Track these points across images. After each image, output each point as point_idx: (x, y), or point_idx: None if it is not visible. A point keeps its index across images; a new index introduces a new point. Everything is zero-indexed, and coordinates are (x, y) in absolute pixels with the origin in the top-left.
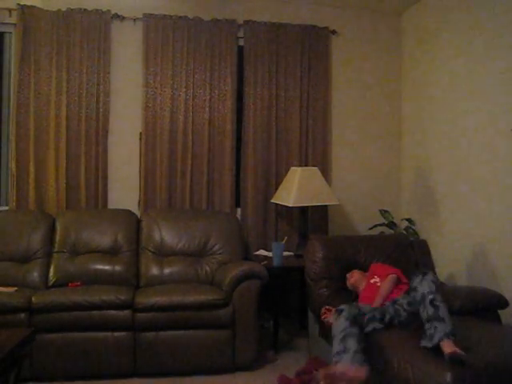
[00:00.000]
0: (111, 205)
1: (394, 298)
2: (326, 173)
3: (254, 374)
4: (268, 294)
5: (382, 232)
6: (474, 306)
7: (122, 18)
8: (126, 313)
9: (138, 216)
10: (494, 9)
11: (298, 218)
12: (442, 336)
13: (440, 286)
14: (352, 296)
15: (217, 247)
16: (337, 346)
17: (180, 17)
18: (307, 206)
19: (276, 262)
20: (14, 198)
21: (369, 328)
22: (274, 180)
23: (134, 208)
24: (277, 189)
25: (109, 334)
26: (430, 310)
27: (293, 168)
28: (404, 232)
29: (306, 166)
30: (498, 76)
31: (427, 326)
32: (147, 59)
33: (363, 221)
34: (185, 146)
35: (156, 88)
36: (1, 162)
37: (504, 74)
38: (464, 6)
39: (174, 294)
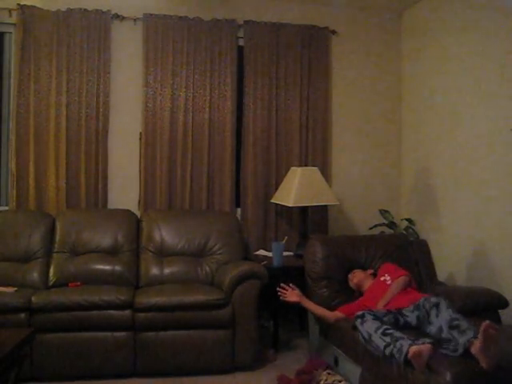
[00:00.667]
0: (111, 205)
1: (401, 308)
2: (325, 173)
3: (253, 373)
4: (268, 294)
5: (382, 232)
6: (474, 306)
7: (121, 18)
8: (126, 313)
9: (138, 216)
10: (494, 9)
11: (298, 218)
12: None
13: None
14: (353, 296)
15: (217, 247)
16: (381, 341)
17: (180, 17)
18: (307, 206)
19: (276, 262)
20: (14, 198)
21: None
22: (274, 180)
23: (134, 208)
24: (277, 189)
25: (109, 334)
26: (454, 333)
27: (293, 168)
28: (404, 232)
29: (305, 166)
30: (499, 76)
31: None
32: (147, 59)
33: (363, 221)
34: (185, 146)
35: (156, 88)
36: (1, 162)
37: (504, 74)
38: (464, 6)
39: (174, 294)
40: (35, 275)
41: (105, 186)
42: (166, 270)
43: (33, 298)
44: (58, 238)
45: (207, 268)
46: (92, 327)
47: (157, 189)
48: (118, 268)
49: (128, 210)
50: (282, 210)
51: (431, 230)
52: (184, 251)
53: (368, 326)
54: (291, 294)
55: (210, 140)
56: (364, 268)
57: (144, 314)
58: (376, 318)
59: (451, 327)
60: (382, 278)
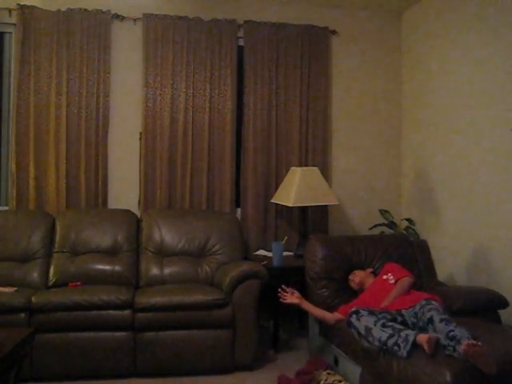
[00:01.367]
0: (111, 205)
1: (400, 309)
2: (325, 173)
3: (253, 373)
4: (268, 294)
5: (382, 232)
6: (474, 306)
7: (121, 18)
8: (126, 313)
9: (138, 216)
10: (494, 8)
11: (298, 218)
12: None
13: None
14: (355, 295)
15: (217, 247)
16: (383, 333)
17: (180, 17)
18: (307, 206)
19: (276, 262)
20: (14, 197)
21: None
22: (274, 180)
23: (134, 208)
24: (277, 189)
25: (109, 334)
26: (452, 343)
27: (293, 168)
28: (404, 232)
29: (305, 166)
30: (499, 76)
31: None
32: (147, 59)
33: (363, 221)
34: (185, 145)
35: (156, 88)
36: (1, 161)
37: (504, 74)
38: (464, 6)
39: (174, 294)
40: (35, 275)
41: (105, 186)
42: (166, 270)
43: (33, 298)
44: (57, 238)
45: (207, 268)
46: (92, 327)
47: (157, 189)
48: (117, 268)
49: (128, 210)
50: (282, 210)
51: (431, 230)
52: (184, 251)
53: (365, 320)
54: (291, 297)
55: (209, 140)
56: (363, 268)
57: (144, 314)
58: (371, 313)
59: (449, 338)
60: (385, 277)
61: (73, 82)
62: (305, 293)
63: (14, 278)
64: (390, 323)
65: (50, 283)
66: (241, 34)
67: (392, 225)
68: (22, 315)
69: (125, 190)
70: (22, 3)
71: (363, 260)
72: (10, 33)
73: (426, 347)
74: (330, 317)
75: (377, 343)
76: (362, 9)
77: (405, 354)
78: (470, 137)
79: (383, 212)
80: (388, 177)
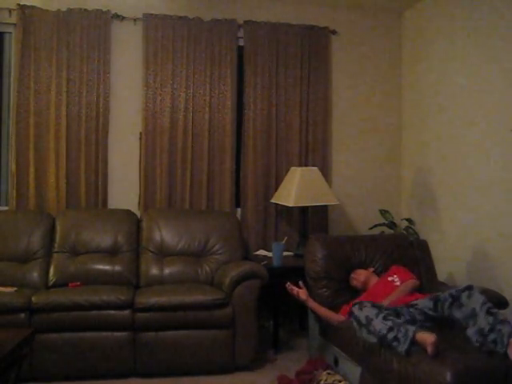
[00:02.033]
0: (111, 205)
1: (408, 301)
2: (325, 173)
3: (254, 373)
4: (268, 294)
5: (382, 232)
6: None
7: (121, 18)
8: (126, 313)
9: (138, 216)
10: (494, 9)
11: (298, 218)
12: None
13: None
14: (356, 295)
15: (217, 247)
16: (383, 325)
17: (180, 17)
18: (307, 206)
19: (276, 262)
20: (14, 197)
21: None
22: (274, 180)
23: (134, 208)
24: (277, 189)
25: (109, 333)
26: (490, 319)
27: (293, 168)
28: (404, 232)
29: (305, 166)
30: (499, 76)
31: (492, 335)
32: (147, 59)
33: (363, 221)
34: (185, 145)
35: (156, 88)
36: (1, 161)
37: (505, 74)
38: (464, 6)
39: (174, 294)
40: (35, 275)
41: (105, 186)
42: (166, 270)
43: (33, 298)
44: (58, 238)
45: (207, 268)
46: (92, 327)
47: (157, 189)
48: (117, 268)
49: (128, 210)
50: (282, 210)
51: (431, 230)
52: (184, 251)
53: (367, 311)
54: (300, 291)
55: (209, 140)
56: (363, 267)
57: (144, 313)
58: (374, 305)
59: (489, 313)
60: (390, 279)
61: (73, 82)
62: None
63: (14, 278)
64: (391, 317)
65: (50, 283)
66: (241, 34)
67: (392, 225)
68: (22, 315)
69: (125, 189)
70: (21, 3)
71: (363, 260)
72: (10, 33)
73: (429, 349)
74: (335, 317)
75: (376, 336)
76: (362, 9)
77: (403, 351)
78: (470, 137)
79: (383, 212)
80: (388, 177)
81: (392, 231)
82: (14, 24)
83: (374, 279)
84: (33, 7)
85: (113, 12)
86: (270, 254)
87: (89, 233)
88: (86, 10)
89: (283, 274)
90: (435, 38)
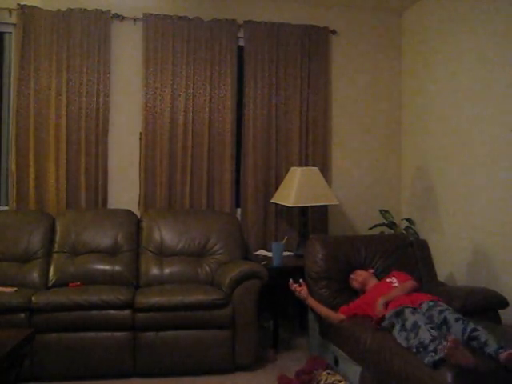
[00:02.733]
0: (111, 205)
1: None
2: (325, 173)
3: (254, 373)
4: (268, 294)
5: (382, 232)
6: (474, 306)
7: (121, 18)
8: (126, 313)
9: (138, 216)
10: (494, 8)
11: (298, 218)
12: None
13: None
14: (356, 295)
15: (217, 247)
16: (428, 334)
17: (180, 17)
18: (307, 206)
19: (276, 262)
20: (14, 198)
21: None
22: (274, 180)
23: (134, 208)
24: (277, 189)
25: (109, 334)
26: (474, 344)
27: (293, 168)
28: (404, 232)
29: (306, 166)
30: (499, 76)
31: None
32: (147, 59)
33: (363, 221)
34: (185, 145)
35: (156, 88)
36: (1, 162)
37: (505, 74)
38: (464, 6)
39: (174, 294)
40: (35, 275)
41: (105, 186)
42: (166, 270)
43: (33, 298)
44: (58, 238)
45: (207, 268)
46: (92, 327)
47: (157, 189)
48: (117, 268)
49: (128, 210)
50: (282, 210)
51: (431, 230)
52: (184, 251)
53: (418, 318)
54: (301, 289)
55: (209, 140)
56: (364, 268)
57: (144, 313)
58: (419, 313)
59: (470, 338)
60: (388, 280)
61: (73, 82)
62: None
63: (14, 278)
64: (436, 329)
65: (50, 283)
66: (241, 34)
67: (392, 225)
68: (22, 315)
69: (125, 190)
70: (22, 3)
71: (363, 260)
72: (10, 33)
73: (447, 345)
74: (335, 316)
75: (416, 342)
76: (362, 9)
77: (431, 361)
78: (471, 137)
79: (383, 212)
80: (388, 177)
81: (392, 231)
82: (14, 24)
83: (373, 281)
84: (33, 7)
85: (113, 12)
86: (270, 254)
87: (89, 233)
88: (85, 9)
89: (283, 273)
90: (435, 37)
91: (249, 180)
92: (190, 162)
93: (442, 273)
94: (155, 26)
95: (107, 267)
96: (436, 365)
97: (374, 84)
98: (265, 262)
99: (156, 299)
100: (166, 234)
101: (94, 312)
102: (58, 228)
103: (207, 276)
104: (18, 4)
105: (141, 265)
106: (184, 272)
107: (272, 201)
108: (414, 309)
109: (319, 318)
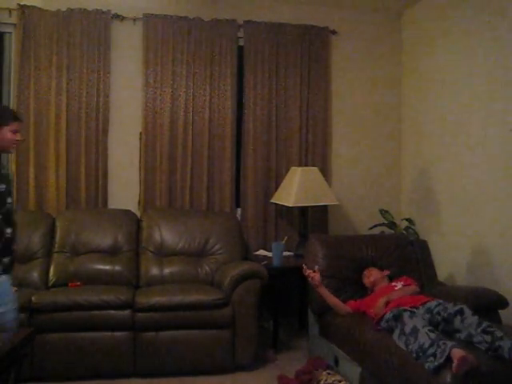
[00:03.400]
0: (111, 205)
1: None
2: (326, 173)
3: (253, 373)
4: (268, 294)
5: (382, 232)
6: (474, 306)
7: (121, 18)
8: (126, 313)
9: (138, 216)
10: (494, 8)
11: (298, 218)
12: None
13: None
14: (358, 293)
15: (217, 247)
16: (427, 337)
17: (180, 17)
18: (307, 206)
19: (276, 262)
20: (14, 198)
21: None
22: (274, 180)
23: (134, 208)
24: (277, 189)
25: (109, 333)
26: (488, 338)
27: (293, 168)
28: (404, 232)
29: (306, 166)
30: (498, 76)
31: (492, 352)
32: (147, 59)
33: (363, 221)
34: (185, 145)
35: (156, 88)
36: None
37: (504, 74)
38: (464, 6)
39: (174, 294)
40: (35, 275)
41: (105, 186)
42: (166, 270)
43: (33, 298)
44: (58, 238)
45: (207, 268)
46: (92, 327)
47: (157, 189)
48: (117, 268)
49: (128, 210)
50: (282, 210)
51: (431, 230)
52: (184, 251)
53: (417, 321)
54: (314, 275)
55: (209, 140)
56: (363, 268)
57: (144, 313)
58: (423, 318)
59: (486, 332)
60: (394, 283)
61: (73, 82)
62: (305, 293)
63: (13, 278)
64: (435, 331)
65: (50, 283)
66: (241, 34)
67: (392, 225)
68: (22, 315)
69: (125, 189)
70: (22, 3)
71: (363, 260)
72: (10, 33)
73: (455, 363)
74: (342, 307)
75: (415, 347)
76: (361, 9)
77: (432, 367)
78: (470, 137)
79: (383, 212)
80: (388, 177)
81: (392, 231)
82: (14, 24)
83: (384, 283)
84: (33, 7)
85: (113, 12)
86: (270, 254)
87: (89, 233)
88: (85, 9)
89: (283, 273)
90: (435, 37)
91: (249, 180)
92: (190, 161)
93: (442, 273)
94: (155, 26)
95: (107, 267)
96: (436, 371)
97: (374, 84)
98: (265, 262)
99: (156, 299)
100: (166, 233)
101: (94, 312)
102: (58, 228)
103: (207, 276)
104: (18, 4)
105: (141, 265)
106: (184, 272)
107: (272, 201)
108: (412, 312)
109: (319, 318)
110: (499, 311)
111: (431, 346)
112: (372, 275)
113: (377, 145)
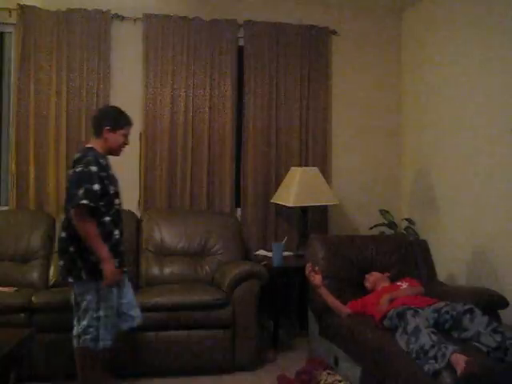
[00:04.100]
0: None
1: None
2: (325, 173)
3: (254, 374)
4: (268, 294)
5: (382, 232)
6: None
7: (121, 18)
8: None
9: (138, 216)
10: (494, 8)
11: (298, 218)
12: None
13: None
14: (357, 294)
15: (217, 247)
16: (428, 339)
17: (180, 17)
18: (307, 206)
19: (276, 262)
20: (14, 198)
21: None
22: (274, 180)
23: (134, 208)
24: (277, 189)
25: None
26: (497, 336)
27: (293, 168)
28: (404, 232)
29: (306, 166)
30: (499, 76)
31: (501, 350)
32: (147, 59)
33: (363, 221)
34: (185, 146)
35: (156, 88)
36: (1, 161)
37: (505, 74)
38: (464, 6)
39: (174, 294)
40: (35, 275)
41: None
42: (166, 270)
43: (33, 298)
44: None
45: (207, 268)
46: None
47: (157, 189)
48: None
49: (128, 210)
50: (282, 210)
51: (431, 230)
52: (184, 251)
53: (420, 321)
54: (316, 276)
55: (209, 140)
56: (363, 268)
57: (144, 313)
58: (426, 318)
59: (494, 331)
60: (399, 283)
61: (73, 82)
62: (305, 293)
63: (14, 278)
64: (437, 334)
65: (50, 283)
66: (241, 34)
67: (392, 225)
68: (22, 315)
69: (125, 190)
70: (21, 3)
71: (363, 260)
72: (10, 33)
73: (459, 368)
74: (343, 309)
75: (416, 347)
76: (361, 9)
77: (432, 371)
78: (470, 137)
79: (383, 212)
80: (388, 177)
81: (392, 231)
82: (14, 24)
83: (385, 283)
84: (33, 7)
85: (113, 12)
86: (269, 254)
87: None
88: (85, 9)
89: (283, 273)
90: (435, 37)
91: (249, 180)
92: (189, 161)
93: (442, 273)
94: (155, 26)
95: None
96: (435, 374)
97: (374, 84)
98: (265, 262)
99: (156, 299)
100: (166, 233)
101: None
102: (58, 228)
103: (207, 276)
104: (18, 4)
105: (141, 265)
106: (184, 272)
107: (272, 201)
108: (416, 311)
109: (319, 318)
110: (499, 311)
111: (432, 347)
112: (373, 275)
113: (377, 145)
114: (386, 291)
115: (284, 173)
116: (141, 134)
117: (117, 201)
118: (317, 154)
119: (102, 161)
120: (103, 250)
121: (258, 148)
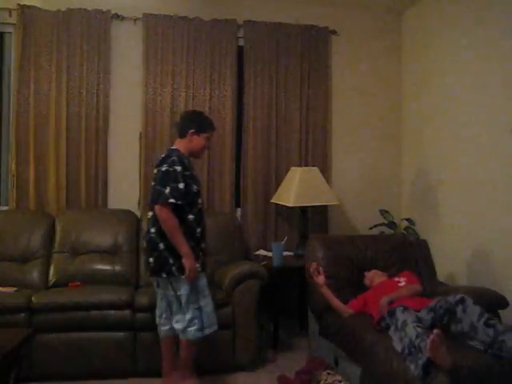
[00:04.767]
0: (111, 205)
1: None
2: (325, 173)
3: (254, 374)
4: (268, 294)
5: (382, 232)
6: None
7: (121, 18)
8: (126, 313)
9: (138, 216)
10: (494, 8)
11: (298, 218)
12: None
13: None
14: (357, 294)
15: (217, 247)
16: (414, 331)
17: (180, 17)
18: (307, 206)
19: (276, 262)
20: (14, 197)
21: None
22: (274, 180)
23: (134, 208)
24: (277, 189)
25: (109, 333)
26: (490, 331)
27: (293, 168)
28: (404, 232)
29: (306, 166)
30: (499, 76)
31: (496, 346)
32: (147, 59)
33: (363, 221)
34: None
35: (156, 88)
36: (1, 161)
37: (505, 74)
38: (464, 6)
39: None
40: (35, 275)
41: (105, 186)
42: None
43: (33, 298)
44: (58, 238)
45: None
46: (92, 327)
47: None
48: (117, 268)
49: (128, 210)
50: (282, 210)
51: (431, 229)
52: None
53: (408, 315)
54: (319, 276)
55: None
56: (364, 268)
57: (144, 313)
58: (416, 315)
59: (488, 325)
60: (396, 279)
61: (73, 82)
62: (306, 293)
63: (14, 278)
64: (422, 328)
65: (50, 283)
66: (241, 34)
67: (392, 225)
68: (22, 315)
69: (125, 189)
70: (21, 3)
71: (363, 260)
72: (10, 33)
73: (430, 339)
74: (345, 310)
75: (407, 341)
76: (362, 9)
77: (421, 365)
78: (470, 137)
79: (383, 212)
80: (388, 177)
81: (392, 231)
82: (14, 24)
83: (381, 278)
84: (33, 7)
85: (113, 12)
86: (270, 254)
87: (89, 233)
88: (85, 9)
89: (283, 273)
90: (435, 37)
91: (249, 180)
92: None
93: (442, 273)
94: (155, 26)
95: (107, 267)
96: (425, 368)
97: (374, 84)
98: (265, 262)
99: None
100: None
101: (94, 312)
102: (58, 228)
103: (207, 276)
104: (18, 4)
105: (141, 265)
106: None
107: (272, 201)
108: (406, 308)
109: (319, 318)
110: (499, 311)
111: (417, 337)
112: (370, 273)
113: (377, 145)
114: (383, 289)
115: (284, 173)
116: (141, 133)
117: (199, 200)
118: (317, 154)
119: (185, 161)
120: (185, 247)
121: (257, 148)
